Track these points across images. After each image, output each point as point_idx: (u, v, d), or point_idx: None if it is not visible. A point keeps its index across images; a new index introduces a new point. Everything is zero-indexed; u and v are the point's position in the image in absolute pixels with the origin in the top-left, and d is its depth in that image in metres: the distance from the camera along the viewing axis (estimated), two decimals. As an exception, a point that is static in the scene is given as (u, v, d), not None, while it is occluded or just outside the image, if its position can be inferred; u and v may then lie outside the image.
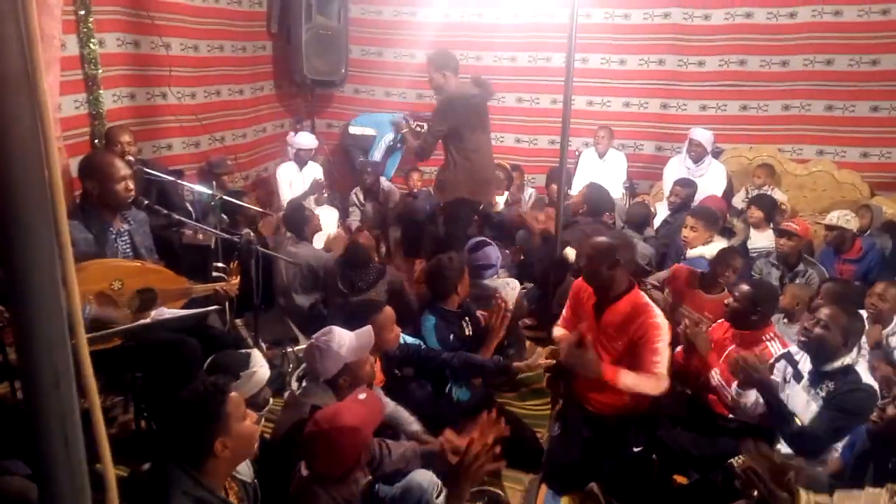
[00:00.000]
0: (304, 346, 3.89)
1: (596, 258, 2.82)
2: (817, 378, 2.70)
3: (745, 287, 3.07)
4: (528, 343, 4.30)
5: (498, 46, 6.65)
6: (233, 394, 1.79)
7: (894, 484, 2.04)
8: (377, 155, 6.78)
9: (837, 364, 2.62)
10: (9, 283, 0.69)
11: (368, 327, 2.52)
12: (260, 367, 2.88)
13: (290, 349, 3.91)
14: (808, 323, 2.73)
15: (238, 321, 4.03)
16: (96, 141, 4.44)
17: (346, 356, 2.37)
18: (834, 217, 4.46)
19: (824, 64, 5.75)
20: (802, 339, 2.73)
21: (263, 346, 3.76)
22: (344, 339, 2.41)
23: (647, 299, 2.87)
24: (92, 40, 4.33)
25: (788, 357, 2.91)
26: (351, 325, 2.56)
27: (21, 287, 0.69)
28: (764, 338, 3.10)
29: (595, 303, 2.94)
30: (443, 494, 2.01)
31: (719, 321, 3.33)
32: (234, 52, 6.17)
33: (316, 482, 1.90)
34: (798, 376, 2.83)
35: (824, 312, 2.68)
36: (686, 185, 5.25)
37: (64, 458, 0.75)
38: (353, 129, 7.02)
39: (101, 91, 4.43)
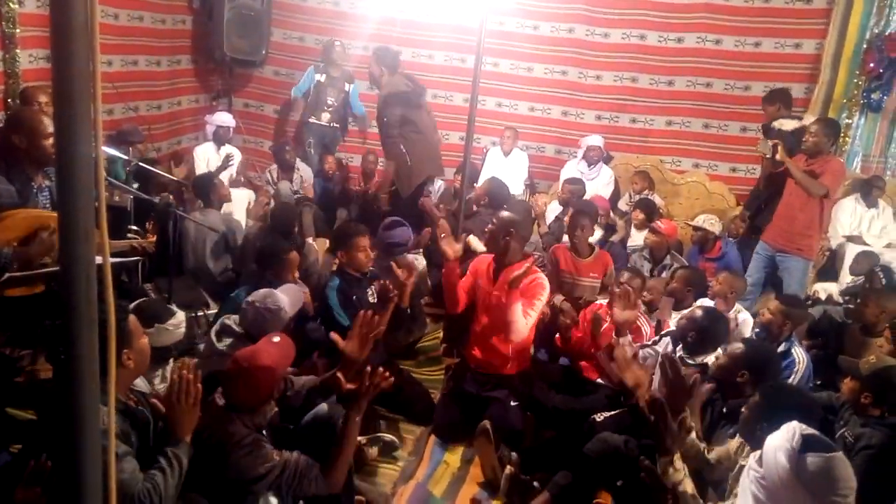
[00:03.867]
0: (214, 310, 4.09)
1: (499, 229, 3.29)
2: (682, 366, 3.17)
3: (681, 271, 3.77)
4: (428, 319, 4.67)
5: (417, 43, 6.97)
6: (131, 316, 2.06)
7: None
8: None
9: (700, 360, 3.08)
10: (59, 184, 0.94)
11: (293, 285, 2.80)
12: (178, 328, 3.06)
13: (200, 313, 4.08)
14: (679, 318, 3.22)
15: (147, 285, 4.15)
16: (9, 100, 4.42)
17: (290, 313, 2.65)
18: (700, 220, 5.11)
19: (704, 86, 6.47)
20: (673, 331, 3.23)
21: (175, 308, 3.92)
22: (285, 300, 2.69)
23: (535, 267, 3.35)
24: (10, -1, 4.33)
25: (672, 337, 3.40)
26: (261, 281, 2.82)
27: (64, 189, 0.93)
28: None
29: (494, 268, 3.36)
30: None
31: (598, 302, 3.80)
32: (154, 23, 6.18)
33: (232, 410, 2.16)
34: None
35: (693, 315, 3.15)
36: (574, 184, 5.80)
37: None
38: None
39: (17, 50, 4.41)
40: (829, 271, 5.49)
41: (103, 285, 1.03)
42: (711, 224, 5.05)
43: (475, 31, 4.29)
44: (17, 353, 3.51)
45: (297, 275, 3.44)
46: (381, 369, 2.19)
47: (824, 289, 5.12)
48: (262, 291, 2.76)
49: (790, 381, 3.18)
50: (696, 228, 5.09)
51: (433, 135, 5.13)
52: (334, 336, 2.56)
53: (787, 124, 4.98)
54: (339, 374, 2.40)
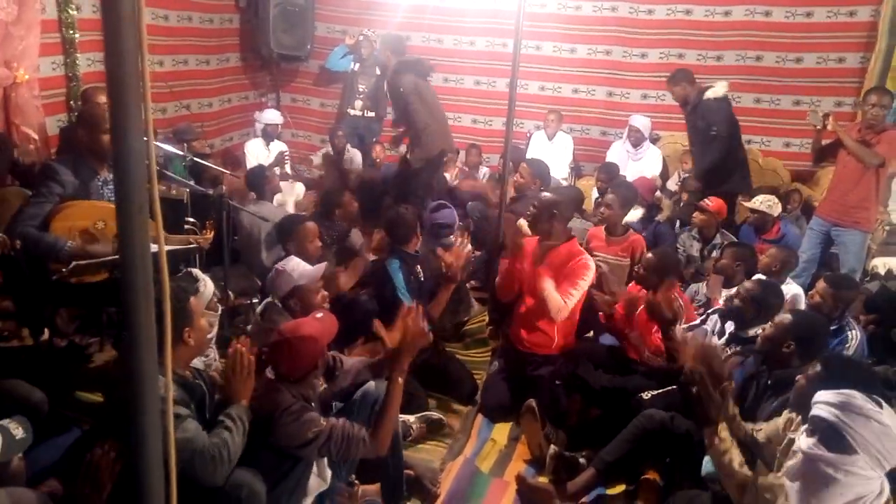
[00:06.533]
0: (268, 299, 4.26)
1: (541, 210, 3.35)
2: (732, 339, 3.16)
3: (649, 255, 3.55)
4: (475, 302, 4.73)
5: (459, 30, 7.01)
6: (192, 298, 2.20)
7: (790, 412, 2.39)
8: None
9: (751, 332, 3.04)
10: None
11: (323, 264, 2.95)
12: (204, 282, 3.19)
13: (255, 300, 4.24)
14: (730, 295, 3.18)
15: (206, 274, 4.33)
16: (72, 102, 4.67)
17: (298, 279, 2.83)
18: (757, 201, 4.89)
19: (754, 60, 6.29)
20: (727, 308, 3.20)
21: (231, 295, 4.09)
22: (299, 266, 2.89)
23: (581, 249, 3.41)
24: (70, 5, 4.55)
25: (721, 314, 3.38)
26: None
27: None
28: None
29: (538, 250, 3.41)
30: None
31: (632, 284, 3.79)
32: (202, 23, 6.39)
33: (280, 381, 2.27)
34: (721, 333, 3.31)
35: (746, 287, 3.12)
36: (604, 171, 5.79)
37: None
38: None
39: (77, 54, 4.65)
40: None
41: (159, 271, 1.12)
42: (769, 206, 4.85)
43: (515, 14, 4.29)
44: (85, 341, 3.75)
45: (316, 245, 3.60)
46: (419, 320, 2.30)
47: (884, 263, 4.94)
48: (288, 257, 3.04)
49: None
50: (752, 211, 4.94)
51: (441, 112, 5.24)
52: (378, 325, 2.68)
53: (717, 90, 4.92)
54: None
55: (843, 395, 1.93)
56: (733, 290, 3.48)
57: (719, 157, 5.02)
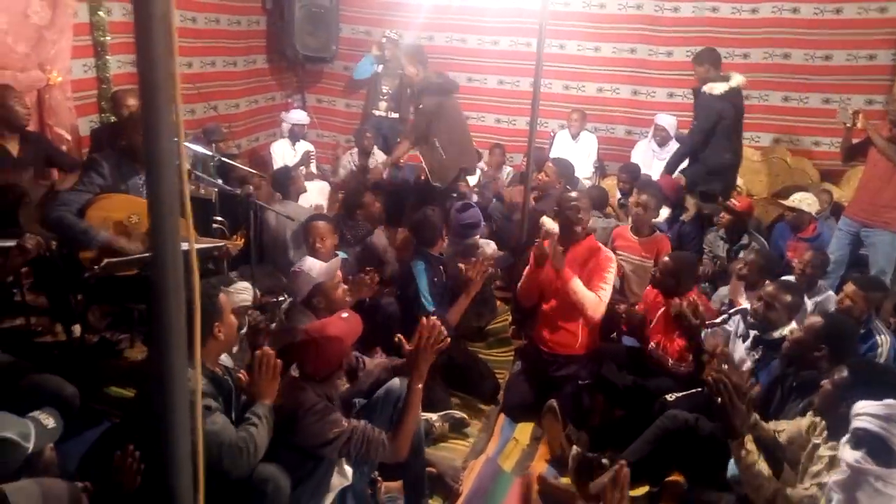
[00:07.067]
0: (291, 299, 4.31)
1: (562, 209, 3.42)
2: (757, 342, 3.12)
3: (666, 259, 3.52)
4: (498, 303, 4.73)
5: (482, 30, 7.01)
6: (222, 294, 2.25)
7: (814, 416, 2.38)
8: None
9: (776, 335, 3.01)
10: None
11: (337, 258, 2.99)
12: (242, 291, 3.25)
13: (281, 298, 4.29)
14: (754, 301, 3.13)
15: (233, 273, 4.40)
16: (103, 103, 4.77)
17: (317, 277, 2.87)
18: (796, 199, 4.75)
19: (782, 57, 6.20)
20: (749, 314, 3.15)
21: (258, 293, 4.14)
22: (315, 265, 2.93)
23: (600, 244, 3.45)
24: (100, 9, 4.65)
25: (744, 313, 3.34)
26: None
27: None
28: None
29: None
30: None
31: (650, 287, 3.76)
32: (230, 25, 6.48)
33: (304, 380, 2.31)
34: (745, 335, 3.28)
35: (767, 291, 3.07)
36: (628, 171, 5.77)
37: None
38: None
39: (108, 57, 4.75)
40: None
41: (189, 268, 1.15)
42: (809, 205, 4.73)
43: (538, 14, 4.29)
44: (116, 337, 3.83)
45: (319, 245, 3.62)
46: (434, 326, 2.31)
47: (916, 265, 4.82)
48: (303, 258, 3.08)
49: (873, 363, 3.08)
50: (790, 209, 4.84)
51: (465, 129, 5.21)
52: (400, 337, 2.73)
53: (717, 87, 4.71)
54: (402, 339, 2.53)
55: (889, 406, 1.89)
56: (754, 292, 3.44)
57: (686, 153, 5.00)
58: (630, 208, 4.45)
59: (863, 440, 1.89)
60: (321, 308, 2.88)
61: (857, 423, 1.90)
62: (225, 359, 2.44)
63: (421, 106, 4.89)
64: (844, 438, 2.00)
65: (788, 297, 3.03)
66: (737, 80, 4.78)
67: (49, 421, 1.93)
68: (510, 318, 4.39)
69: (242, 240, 3.57)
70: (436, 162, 4.99)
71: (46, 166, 3.96)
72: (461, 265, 3.45)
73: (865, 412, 1.89)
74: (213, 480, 2.01)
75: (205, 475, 2.00)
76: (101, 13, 4.66)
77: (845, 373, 2.21)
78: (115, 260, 2.89)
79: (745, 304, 3.51)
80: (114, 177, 3.14)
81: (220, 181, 4.69)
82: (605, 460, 2.97)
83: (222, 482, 1.99)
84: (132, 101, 4.51)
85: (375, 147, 6.48)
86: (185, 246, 2.88)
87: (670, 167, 5.13)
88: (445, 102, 4.92)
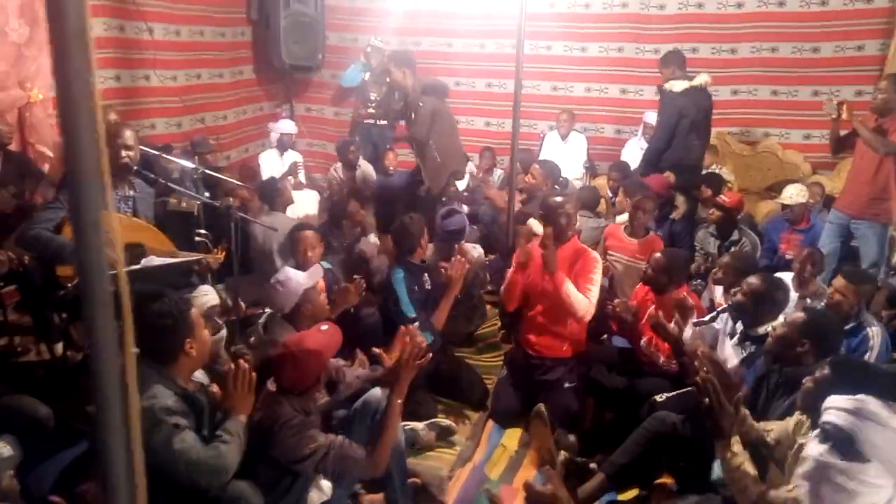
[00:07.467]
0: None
1: (548, 210, 3.38)
2: (744, 338, 3.07)
3: (657, 255, 3.47)
4: (488, 307, 4.69)
5: (468, 33, 7.00)
6: (194, 308, 2.22)
7: (800, 414, 2.33)
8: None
9: (761, 330, 2.95)
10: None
11: (317, 266, 2.96)
12: (206, 294, 3.19)
13: (268, 309, 4.25)
14: (734, 292, 3.10)
15: (219, 286, 4.37)
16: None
17: (304, 283, 2.81)
18: (789, 194, 4.74)
19: (769, 51, 6.17)
20: (730, 305, 3.11)
21: (243, 305, 4.11)
22: (297, 274, 2.91)
23: (584, 245, 3.43)
24: (80, 24, 4.63)
25: (729, 310, 3.29)
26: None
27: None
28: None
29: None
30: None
31: (640, 285, 3.72)
32: (215, 37, 6.47)
33: (281, 394, 2.26)
34: (733, 333, 3.23)
35: (748, 283, 3.00)
36: (615, 170, 5.76)
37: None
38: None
39: (89, 72, 4.72)
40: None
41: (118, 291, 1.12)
42: (803, 196, 4.74)
43: (525, 16, 4.25)
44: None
45: (310, 255, 3.58)
46: (417, 344, 2.26)
47: (908, 256, 4.78)
48: (281, 271, 3.02)
49: (866, 358, 3.03)
50: (785, 206, 4.78)
51: (456, 133, 5.21)
52: (379, 352, 2.68)
53: (677, 85, 4.84)
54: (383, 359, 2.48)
55: (857, 400, 1.86)
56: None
57: (653, 149, 5.11)
58: (629, 213, 4.41)
59: (830, 434, 1.86)
60: (308, 316, 2.85)
61: (825, 416, 1.87)
62: (200, 375, 2.41)
63: (421, 104, 4.87)
64: (813, 433, 1.96)
65: (768, 289, 2.97)
66: (700, 78, 4.90)
67: (6, 450, 1.90)
68: (499, 322, 4.35)
69: (223, 253, 3.53)
70: (431, 164, 4.97)
71: (25, 186, 3.95)
72: (441, 266, 3.42)
73: (834, 406, 1.86)
74: (184, 499, 1.99)
75: (176, 494, 1.97)
76: (80, 29, 4.63)
77: (827, 370, 2.17)
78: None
79: (721, 298, 3.47)
80: None
81: (206, 194, 4.67)
82: (593, 465, 2.94)
83: (194, 501, 1.96)
84: (113, 117, 4.49)
85: (361, 158, 6.45)
86: (156, 261, 2.80)
87: (644, 167, 5.19)
88: (440, 105, 4.91)
